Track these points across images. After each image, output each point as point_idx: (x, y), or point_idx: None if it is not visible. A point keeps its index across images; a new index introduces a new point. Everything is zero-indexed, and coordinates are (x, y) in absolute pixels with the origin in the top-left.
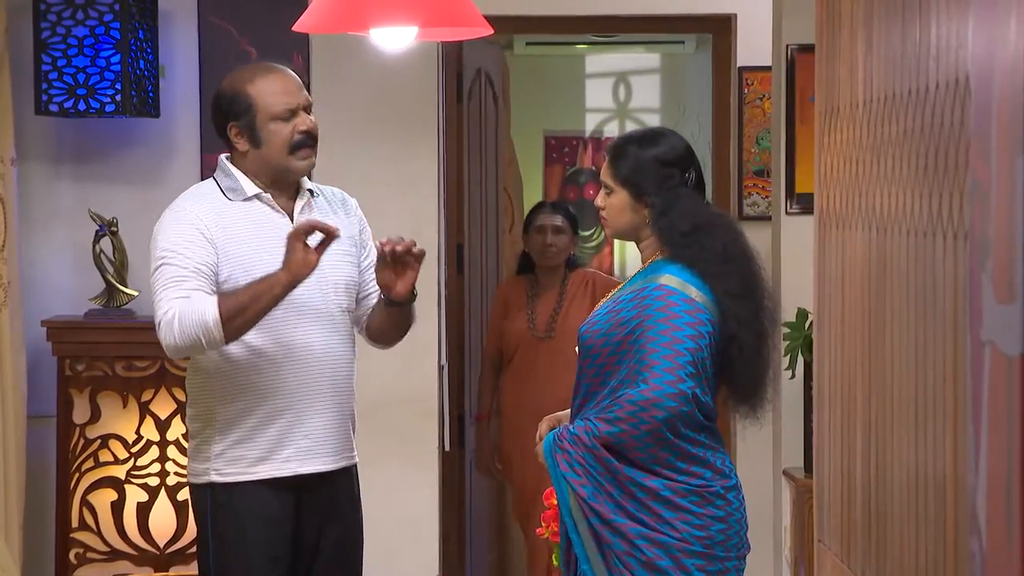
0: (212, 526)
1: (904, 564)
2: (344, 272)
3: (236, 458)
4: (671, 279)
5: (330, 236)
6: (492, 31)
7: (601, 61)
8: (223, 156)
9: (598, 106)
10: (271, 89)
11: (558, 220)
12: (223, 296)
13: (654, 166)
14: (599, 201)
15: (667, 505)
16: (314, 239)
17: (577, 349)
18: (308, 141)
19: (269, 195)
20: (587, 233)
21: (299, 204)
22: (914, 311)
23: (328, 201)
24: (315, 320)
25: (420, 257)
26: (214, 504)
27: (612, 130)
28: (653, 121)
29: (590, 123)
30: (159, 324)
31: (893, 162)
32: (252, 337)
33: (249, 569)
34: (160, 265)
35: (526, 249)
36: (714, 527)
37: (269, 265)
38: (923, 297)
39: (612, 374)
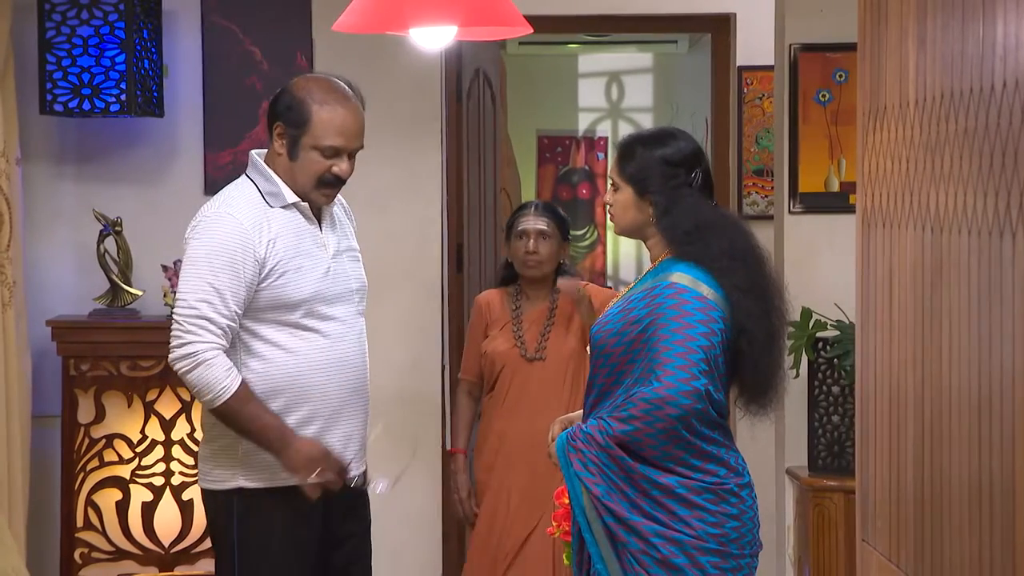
0: (239, 528)
1: (965, 564)
2: (360, 278)
3: (267, 464)
4: (682, 277)
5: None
6: (531, 30)
7: (594, 61)
8: (255, 153)
9: (591, 105)
10: (333, 122)
11: (543, 224)
12: (241, 398)
13: (659, 166)
14: (607, 197)
15: (682, 503)
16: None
17: (588, 349)
18: (336, 183)
19: (306, 204)
20: (579, 232)
21: (324, 215)
22: (976, 310)
23: (337, 208)
24: (342, 327)
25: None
26: (241, 507)
27: (605, 130)
28: (646, 121)
29: (583, 122)
30: (181, 343)
31: (951, 161)
32: (283, 341)
33: (277, 570)
34: (201, 279)
35: (508, 257)
36: (728, 524)
37: (307, 275)
38: (987, 296)
39: (626, 373)
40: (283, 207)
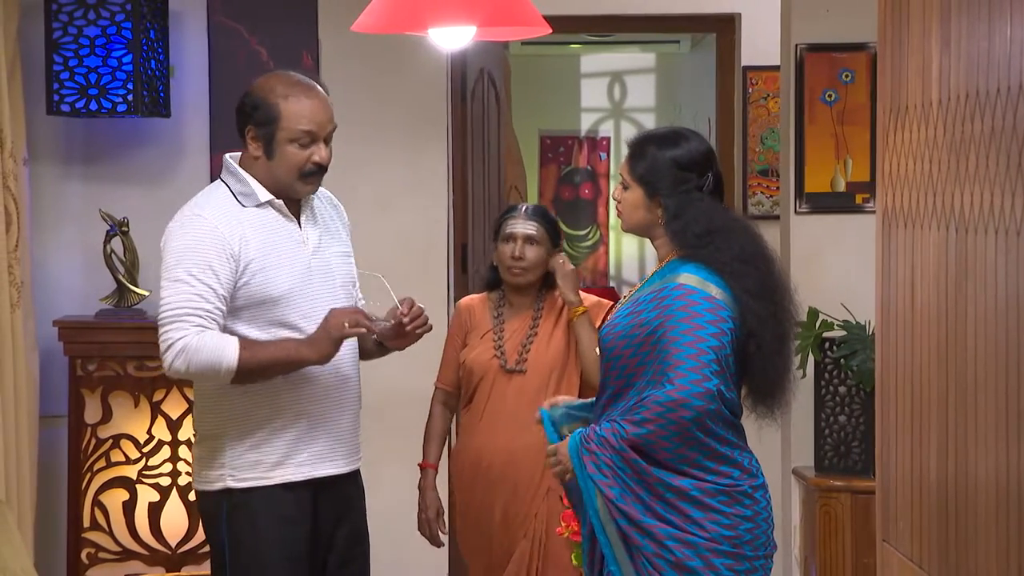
0: (228, 529)
1: (992, 565)
2: (348, 272)
3: (252, 463)
4: (690, 278)
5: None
6: (551, 29)
7: (596, 61)
8: (228, 156)
9: (593, 105)
10: (301, 112)
11: (531, 228)
12: (246, 346)
13: (670, 168)
14: (616, 194)
15: (696, 505)
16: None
17: (597, 351)
18: (318, 172)
19: (281, 201)
20: (582, 232)
21: (304, 211)
22: (1003, 309)
23: (323, 204)
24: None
25: (425, 331)
26: (230, 507)
27: (607, 130)
28: (648, 121)
29: (585, 122)
30: (168, 344)
31: (977, 161)
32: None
33: (266, 570)
34: (178, 280)
35: (494, 260)
36: (742, 526)
37: (282, 271)
38: (1015, 295)
39: (637, 375)
40: (257, 206)
